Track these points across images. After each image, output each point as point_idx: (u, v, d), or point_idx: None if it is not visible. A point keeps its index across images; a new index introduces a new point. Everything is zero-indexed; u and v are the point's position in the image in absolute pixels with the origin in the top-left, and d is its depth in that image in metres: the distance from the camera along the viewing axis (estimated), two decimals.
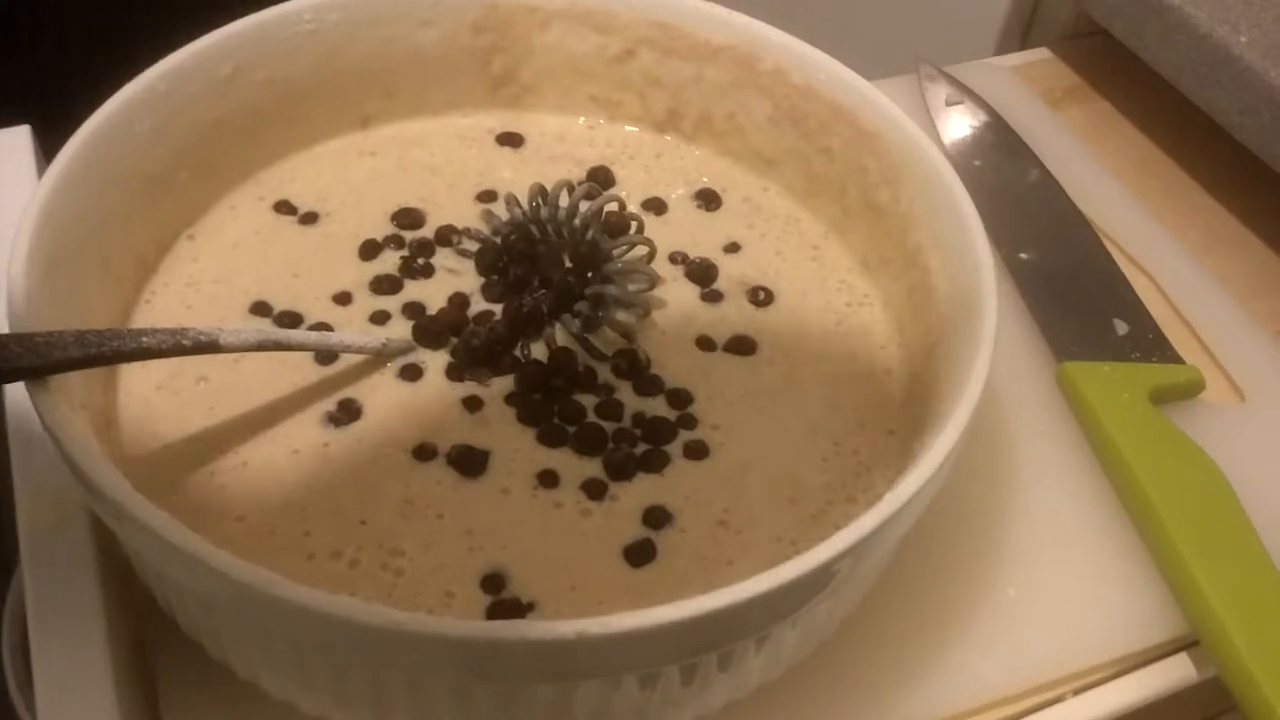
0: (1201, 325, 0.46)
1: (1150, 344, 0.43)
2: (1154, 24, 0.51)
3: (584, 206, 0.39)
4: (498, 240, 0.39)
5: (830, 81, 0.41)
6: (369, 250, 0.40)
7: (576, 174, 0.43)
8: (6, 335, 0.29)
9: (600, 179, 0.43)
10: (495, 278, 0.39)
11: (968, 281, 0.34)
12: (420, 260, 0.40)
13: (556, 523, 0.33)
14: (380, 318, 0.38)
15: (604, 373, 0.37)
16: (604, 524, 0.33)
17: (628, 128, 0.45)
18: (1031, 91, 0.56)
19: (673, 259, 0.41)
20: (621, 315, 0.37)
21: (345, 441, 0.34)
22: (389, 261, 0.40)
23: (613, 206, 0.40)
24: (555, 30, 0.44)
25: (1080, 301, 0.45)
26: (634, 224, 0.40)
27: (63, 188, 0.34)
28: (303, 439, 0.34)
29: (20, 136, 0.45)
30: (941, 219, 0.36)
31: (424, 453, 0.34)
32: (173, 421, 0.34)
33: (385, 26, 0.42)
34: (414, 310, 0.38)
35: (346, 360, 0.36)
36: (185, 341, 0.32)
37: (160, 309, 0.38)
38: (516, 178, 0.43)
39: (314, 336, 0.36)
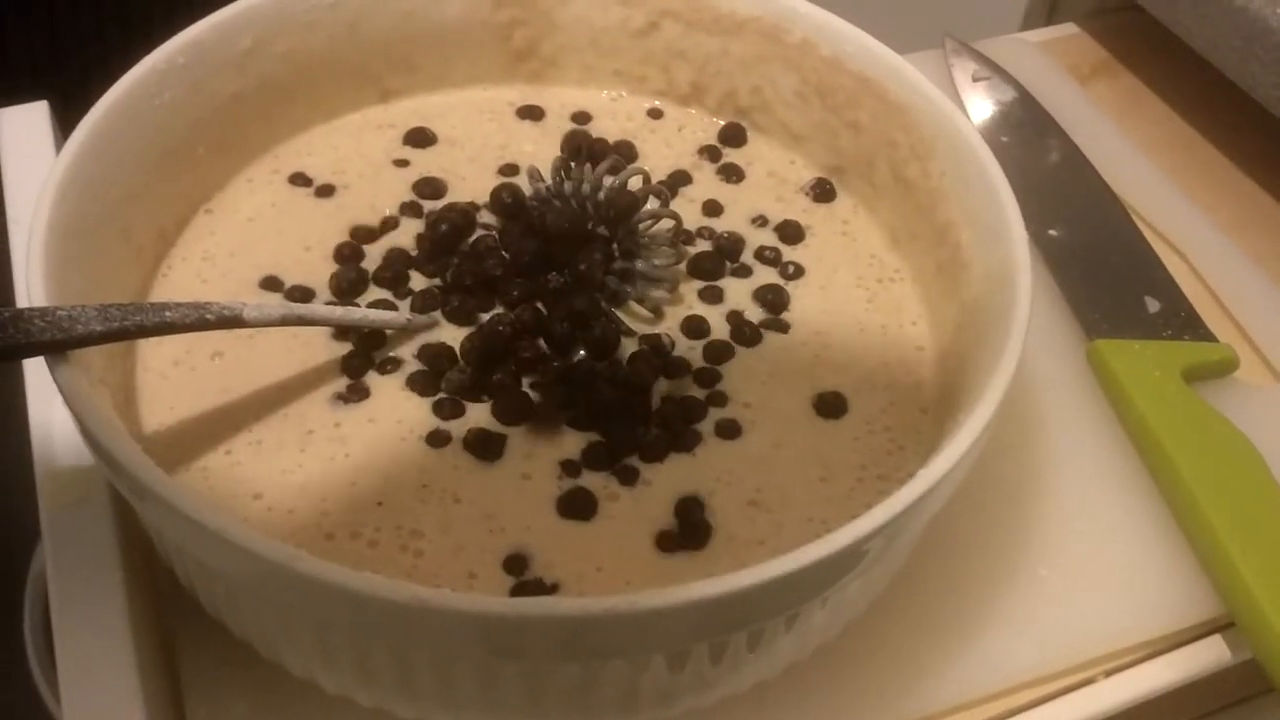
0: (1234, 303, 0.45)
1: (1182, 322, 0.43)
2: (1181, 3, 0.50)
3: (608, 181, 0.39)
4: (531, 206, 0.38)
5: (859, 54, 0.40)
6: (386, 225, 0.40)
7: (597, 144, 0.43)
8: (29, 309, 0.28)
9: (623, 153, 0.43)
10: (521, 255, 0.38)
11: (1000, 257, 0.34)
12: (442, 227, 0.39)
13: (581, 507, 0.32)
14: (398, 292, 0.37)
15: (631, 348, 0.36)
16: (632, 509, 0.32)
17: (652, 102, 0.45)
18: (1059, 67, 0.55)
19: (700, 233, 0.40)
20: (651, 291, 0.37)
21: (358, 422, 0.34)
22: (407, 233, 0.39)
23: (636, 181, 0.40)
24: (578, 3, 0.43)
25: (1111, 279, 0.44)
26: (659, 198, 0.40)
27: (82, 160, 0.34)
28: (316, 419, 0.34)
29: (38, 112, 0.44)
30: (974, 194, 0.36)
31: (437, 438, 0.34)
32: (189, 398, 0.34)
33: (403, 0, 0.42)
34: (426, 294, 0.37)
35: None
36: (209, 316, 0.31)
37: (176, 283, 0.37)
38: (538, 151, 0.43)
39: (338, 312, 0.35)
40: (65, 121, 0.44)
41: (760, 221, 0.41)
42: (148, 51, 0.37)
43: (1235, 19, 0.48)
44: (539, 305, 0.36)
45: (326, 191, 0.41)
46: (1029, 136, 0.50)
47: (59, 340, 0.28)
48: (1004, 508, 0.38)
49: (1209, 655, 0.36)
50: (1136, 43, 0.57)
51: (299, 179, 0.41)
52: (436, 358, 0.35)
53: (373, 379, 0.35)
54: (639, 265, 0.37)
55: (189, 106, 0.38)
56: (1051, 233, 0.46)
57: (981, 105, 0.52)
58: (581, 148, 0.42)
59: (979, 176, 0.35)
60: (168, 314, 0.30)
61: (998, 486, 0.38)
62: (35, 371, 0.37)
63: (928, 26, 0.56)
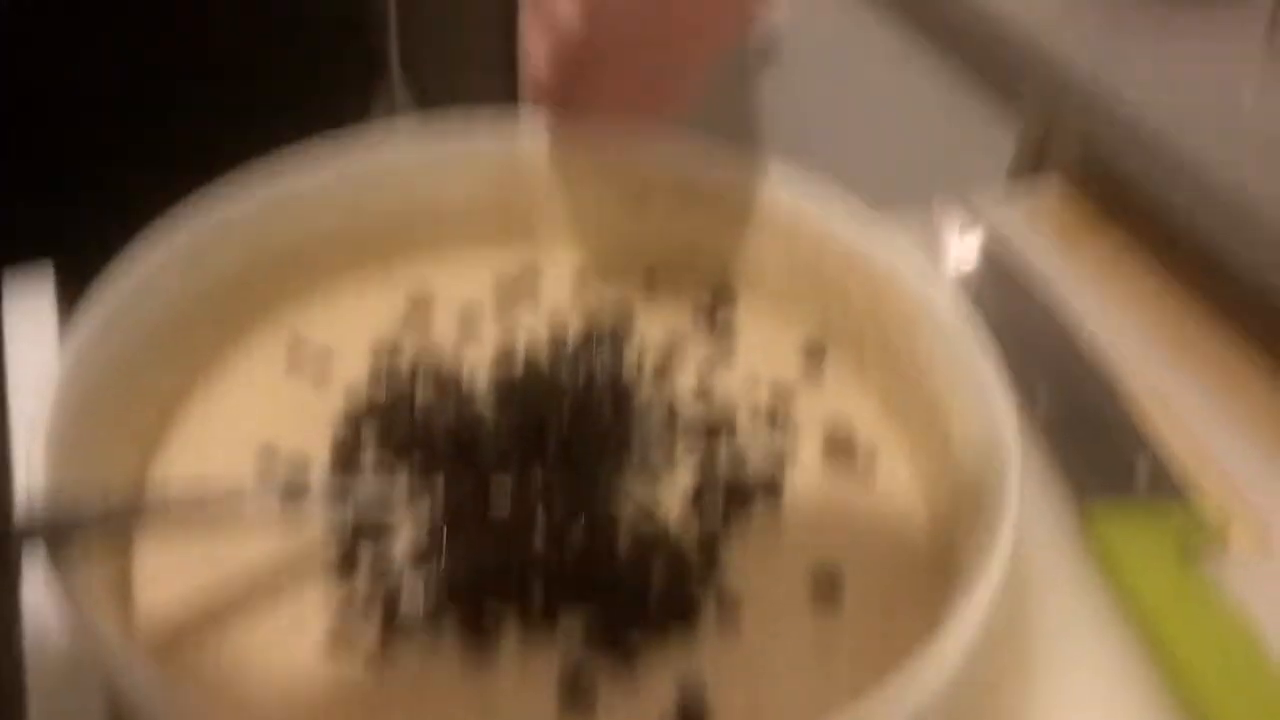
0: (1225, 466, 0.45)
1: (1174, 487, 0.43)
2: (1162, 165, 0.51)
3: (604, 357, 0.39)
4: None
5: (845, 225, 0.41)
6: (380, 393, 0.40)
7: (595, 311, 0.43)
8: (30, 498, 0.28)
9: (621, 321, 0.43)
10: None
11: (989, 436, 0.34)
12: (428, 406, 0.39)
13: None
14: (387, 465, 0.38)
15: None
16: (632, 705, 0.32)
17: (646, 268, 0.45)
18: (1043, 224, 0.57)
19: (693, 406, 0.40)
20: (640, 486, 0.37)
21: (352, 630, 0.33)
22: (402, 402, 0.40)
23: (632, 357, 0.40)
24: (574, 179, 0.44)
25: (1101, 441, 0.45)
26: (648, 382, 0.40)
27: (86, 347, 0.35)
28: (314, 617, 0.33)
29: (40, 278, 0.45)
30: (960, 371, 0.36)
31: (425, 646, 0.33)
32: (183, 590, 0.34)
33: (406, 181, 0.43)
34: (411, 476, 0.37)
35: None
36: (202, 510, 0.32)
37: (173, 457, 0.37)
38: (536, 322, 0.43)
39: (332, 509, 0.35)
40: (67, 283, 0.45)
41: (753, 385, 0.41)
42: (155, 211, 0.38)
43: (1209, 189, 0.49)
44: (533, 493, 0.36)
45: (324, 359, 0.41)
46: (1014, 294, 0.51)
47: (58, 530, 0.28)
48: (995, 686, 0.38)
49: None
50: (1119, 202, 0.58)
51: (298, 346, 0.41)
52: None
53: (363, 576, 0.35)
54: (634, 445, 0.37)
55: (193, 284, 0.39)
56: (1040, 393, 0.46)
57: (967, 262, 0.53)
58: (579, 320, 0.43)
59: (965, 354, 0.36)
60: (164, 507, 0.31)
61: (987, 658, 0.38)
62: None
63: (914, 183, 0.58)
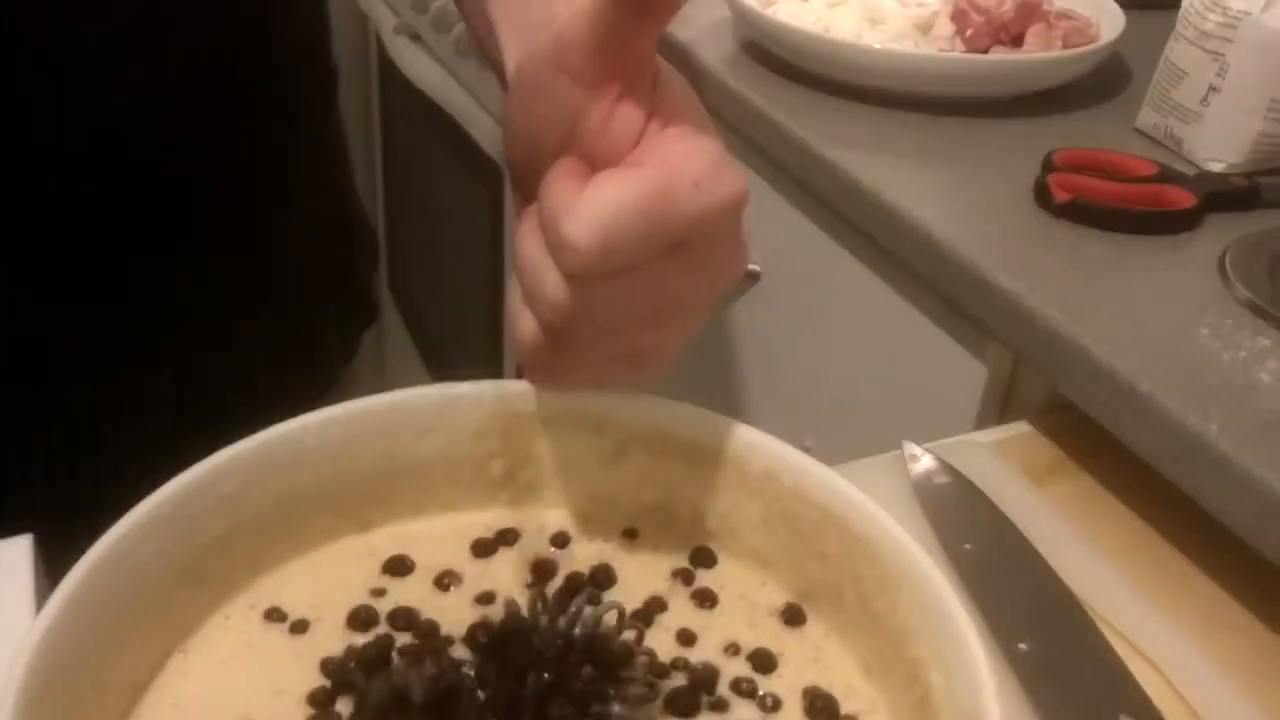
0: (1208, 716, 0.45)
1: None
2: (1128, 410, 0.53)
3: (585, 613, 0.39)
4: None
5: (819, 486, 0.42)
6: (357, 663, 0.39)
7: (574, 571, 0.43)
8: None
9: (599, 577, 0.43)
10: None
11: (971, 705, 0.34)
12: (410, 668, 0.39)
13: None
14: None
15: None
16: None
17: (626, 524, 0.46)
18: (1014, 468, 0.58)
19: (674, 664, 0.40)
20: None
21: None
22: (382, 669, 0.39)
23: (612, 615, 0.40)
24: (552, 434, 0.45)
25: (1084, 696, 0.44)
26: (633, 634, 0.40)
27: (60, 622, 0.34)
28: None
29: (21, 547, 0.45)
30: (940, 636, 0.36)
31: None
32: None
33: (386, 438, 0.44)
34: None
35: None
36: None
37: None
38: (515, 577, 0.43)
39: None
40: (50, 549, 0.45)
41: (733, 650, 0.41)
42: (133, 481, 0.38)
43: (1175, 433, 0.50)
44: None
45: (301, 628, 0.41)
46: (990, 542, 0.52)
47: None
48: None
49: None
50: (1088, 443, 0.59)
51: (274, 614, 0.41)
52: None
53: None
54: (615, 709, 0.37)
55: (172, 552, 0.39)
56: (1021, 646, 0.46)
57: (940, 510, 0.53)
58: (558, 576, 0.43)
59: (944, 619, 0.36)
60: None
61: None
62: None
63: (884, 430, 0.59)
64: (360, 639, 0.40)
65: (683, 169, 0.36)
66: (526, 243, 0.38)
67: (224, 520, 0.40)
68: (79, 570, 0.36)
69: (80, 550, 0.36)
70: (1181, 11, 0.77)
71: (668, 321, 0.40)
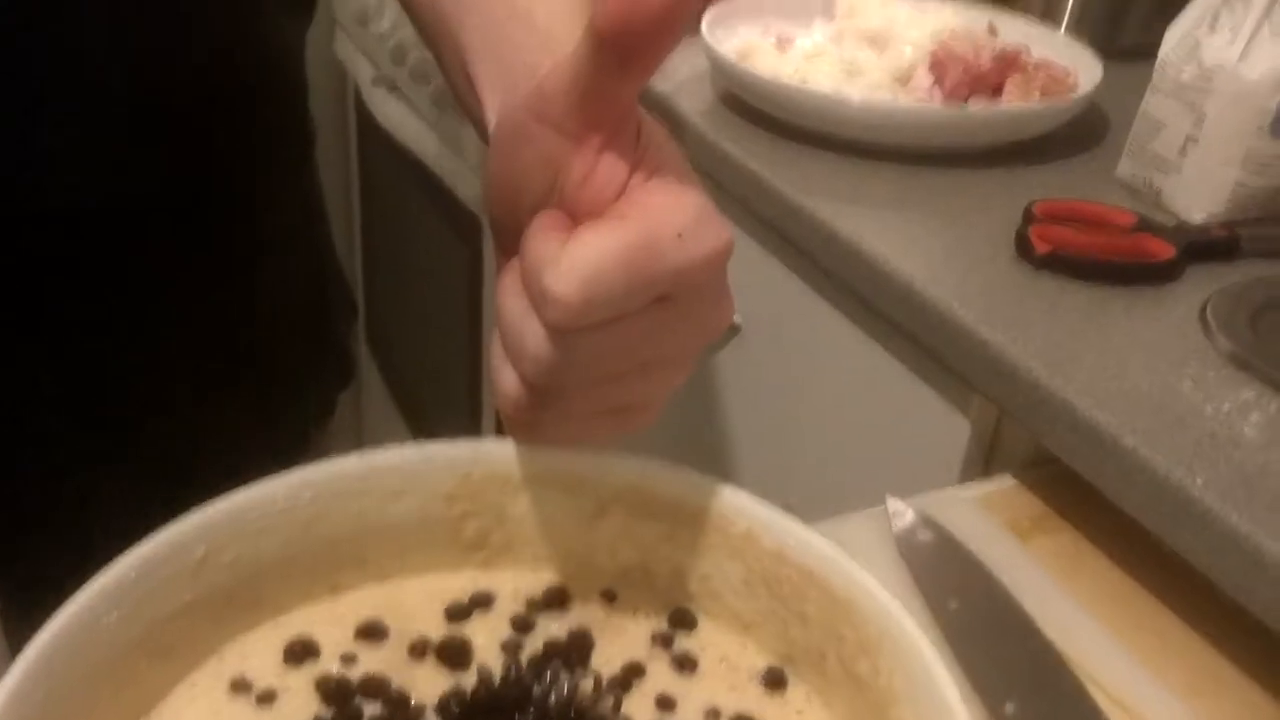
0: None
1: None
2: (1112, 465, 0.52)
3: (561, 680, 0.38)
4: None
5: (800, 548, 0.41)
6: None
7: (551, 635, 0.42)
8: None
9: (577, 641, 0.42)
10: None
11: None
12: None
13: None
14: None
15: None
16: None
17: (604, 585, 0.45)
18: (999, 522, 0.57)
19: None
20: None
21: None
22: None
23: (588, 682, 0.39)
24: (528, 495, 0.44)
25: None
26: (610, 701, 0.39)
27: (20, 693, 0.33)
28: None
29: None
30: (924, 702, 0.35)
31: None
32: None
33: (357, 499, 0.43)
34: None
35: None
36: None
37: None
38: (489, 643, 0.42)
39: None
40: (10, 618, 0.44)
41: (713, 715, 0.40)
42: (104, 539, 0.37)
43: (1159, 487, 0.50)
44: None
45: (267, 699, 0.40)
46: (975, 600, 0.51)
47: None
48: None
49: None
50: (1072, 495, 0.59)
51: (240, 685, 0.40)
52: None
53: None
54: None
55: (137, 621, 0.38)
56: (1008, 707, 0.45)
57: (925, 566, 0.53)
58: (534, 640, 0.42)
59: (928, 682, 0.35)
60: None
61: None
62: None
63: (867, 483, 0.58)
64: (329, 710, 0.39)
65: (667, 221, 0.36)
66: (508, 296, 0.38)
67: (190, 587, 0.39)
68: (40, 640, 0.35)
69: (42, 619, 0.35)
70: (1158, 63, 0.78)
71: (652, 375, 0.39)
